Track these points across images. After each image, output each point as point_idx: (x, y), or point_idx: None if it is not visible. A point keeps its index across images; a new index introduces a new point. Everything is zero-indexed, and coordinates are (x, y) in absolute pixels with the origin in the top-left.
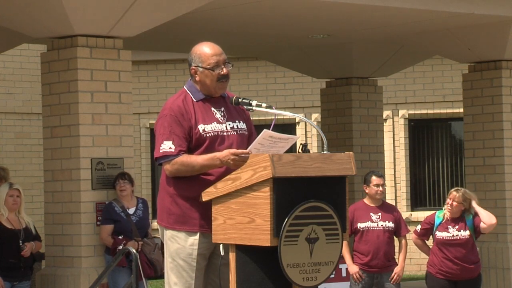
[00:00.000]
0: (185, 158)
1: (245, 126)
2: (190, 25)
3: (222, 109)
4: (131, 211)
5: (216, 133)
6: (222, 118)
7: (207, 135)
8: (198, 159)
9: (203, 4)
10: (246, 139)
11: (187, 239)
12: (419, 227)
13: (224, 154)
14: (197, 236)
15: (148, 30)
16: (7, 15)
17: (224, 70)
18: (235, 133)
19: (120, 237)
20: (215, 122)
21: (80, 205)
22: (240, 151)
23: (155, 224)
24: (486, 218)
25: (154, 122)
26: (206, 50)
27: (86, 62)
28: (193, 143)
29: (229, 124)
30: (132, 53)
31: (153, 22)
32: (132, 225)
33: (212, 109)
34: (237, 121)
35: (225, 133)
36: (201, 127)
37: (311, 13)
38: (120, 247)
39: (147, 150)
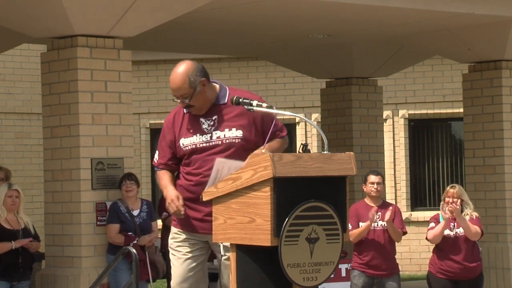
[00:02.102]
0: (160, 176)
1: (241, 134)
2: (190, 25)
3: (214, 117)
4: (135, 212)
5: (194, 145)
6: (209, 128)
7: (185, 148)
8: (162, 183)
9: (203, 4)
10: (239, 147)
11: (172, 232)
12: (430, 226)
13: (169, 198)
14: (175, 230)
15: (148, 30)
16: (7, 15)
17: (181, 104)
18: (220, 143)
19: (130, 234)
20: (198, 134)
21: (80, 205)
22: (176, 204)
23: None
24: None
25: (154, 122)
26: (170, 80)
27: (86, 62)
28: (178, 154)
29: (216, 134)
30: (132, 53)
31: (153, 22)
32: (136, 226)
33: (201, 119)
34: (226, 130)
35: (205, 144)
36: (181, 141)
37: (311, 13)
38: (135, 241)
39: (147, 150)
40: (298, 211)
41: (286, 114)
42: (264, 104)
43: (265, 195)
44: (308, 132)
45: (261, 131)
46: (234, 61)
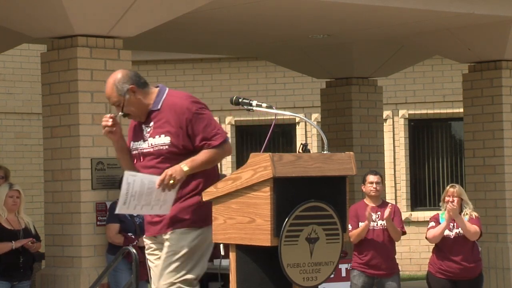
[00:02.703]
0: None
1: (168, 140)
2: (190, 25)
3: (151, 124)
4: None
5: (136, 151)
6: (147, 135)
7: (133, 152)
8: None
9: (203, 4)
10: (167, 154)
11: None
12: (429, 226)
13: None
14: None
15: (148, 30)
16: (7, 15)
17: (119, 113)
18: (152, 150)
19: (130, 235)
20: (141, 140)
21: (80, 205)
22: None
23: None
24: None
25: None
26: None
27: (86, 62)
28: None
29: (150, 141)
30: (132, 53)
31: (153, 22)
32: (136, 226)
33: (143, 126)
34: (157, 137)
35: (144, 150)
36: (131, 145)
37: (311, 13)
38: (135, 242)
39: None
40: (298, 211)
41: (286, 114)
42: (264, 104)
43: (265, 195)
44: (308, 132)
45: (190, 136)
46: (234, 61)
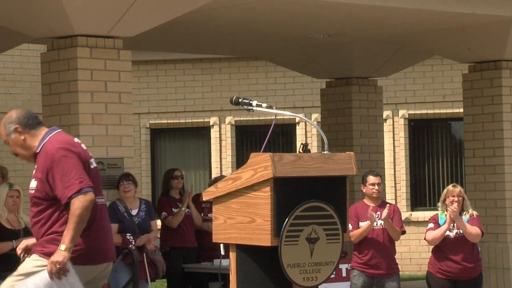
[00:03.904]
0: None
1: (35, 185)
2: (190, 25)
3: (35, 167)
4: (133, 212)
5: None
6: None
7: None
8: None
9: (203, 4)
10: (33, 199)
11: None
12: (428, 227)
13: None
14: None
15: (148, 30)
16: (7, 15)
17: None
18: (29, 192)
19: (128, 235)
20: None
21: None
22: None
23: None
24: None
25: (154, 122)
26: None
27: (86, 62)
28: None
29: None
30: (132, 53)
31: (153, 22)
32: (135, 226)
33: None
34: (31, 180)
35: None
36: None
37: (311, 13)
38: (131, 246)
39: (147, 150)
40: (298, 211)
41: (286, 114)
42: (264, 104)
43: (265, 195)
44: (308, 132)
45: (50, 184)
46: (234, 61)
